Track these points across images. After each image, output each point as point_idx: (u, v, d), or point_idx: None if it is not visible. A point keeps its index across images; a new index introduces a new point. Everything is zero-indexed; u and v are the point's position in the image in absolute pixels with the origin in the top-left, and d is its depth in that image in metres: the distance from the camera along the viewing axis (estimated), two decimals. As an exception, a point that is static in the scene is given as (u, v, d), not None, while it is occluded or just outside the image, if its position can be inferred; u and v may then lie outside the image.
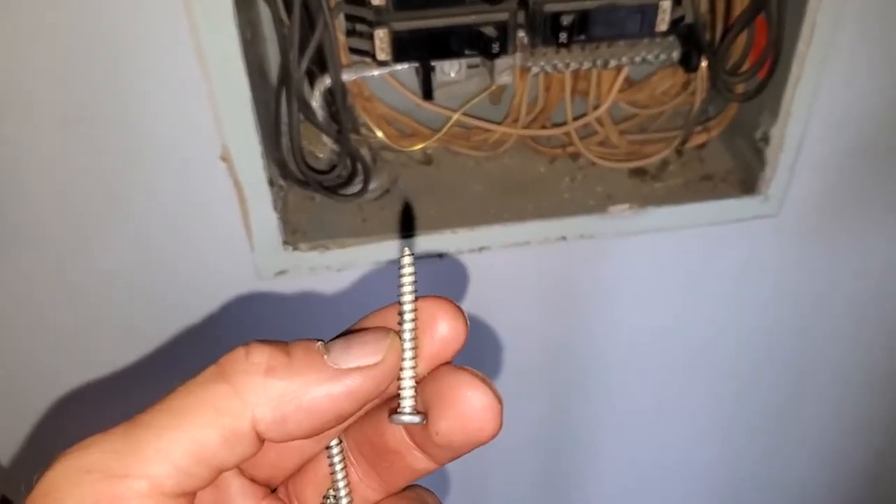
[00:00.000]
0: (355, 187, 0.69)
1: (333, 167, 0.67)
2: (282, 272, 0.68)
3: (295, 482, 0.27)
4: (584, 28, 0.60)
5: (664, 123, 0.76)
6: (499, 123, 0.74)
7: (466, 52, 0.60)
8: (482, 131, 0.74)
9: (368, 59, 0.62)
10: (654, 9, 0.60)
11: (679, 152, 0.75)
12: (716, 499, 1.05)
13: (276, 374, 0.22)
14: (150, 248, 0.65)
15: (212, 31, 0.54)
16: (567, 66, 0.65)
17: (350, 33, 0.62)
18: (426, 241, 0.69)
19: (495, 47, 0.60)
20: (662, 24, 0.61)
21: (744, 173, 0.73)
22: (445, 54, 0.61)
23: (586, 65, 0.65)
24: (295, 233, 0.68)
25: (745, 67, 0.65)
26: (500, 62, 0.64)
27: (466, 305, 0.74)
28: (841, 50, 0.63)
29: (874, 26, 0.63)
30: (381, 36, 0.58)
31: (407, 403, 0.24)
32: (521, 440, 0.90)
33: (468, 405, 0.23)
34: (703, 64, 0.67)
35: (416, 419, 0.24)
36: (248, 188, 0.62)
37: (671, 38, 0.65)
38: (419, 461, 0.25)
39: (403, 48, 0.59)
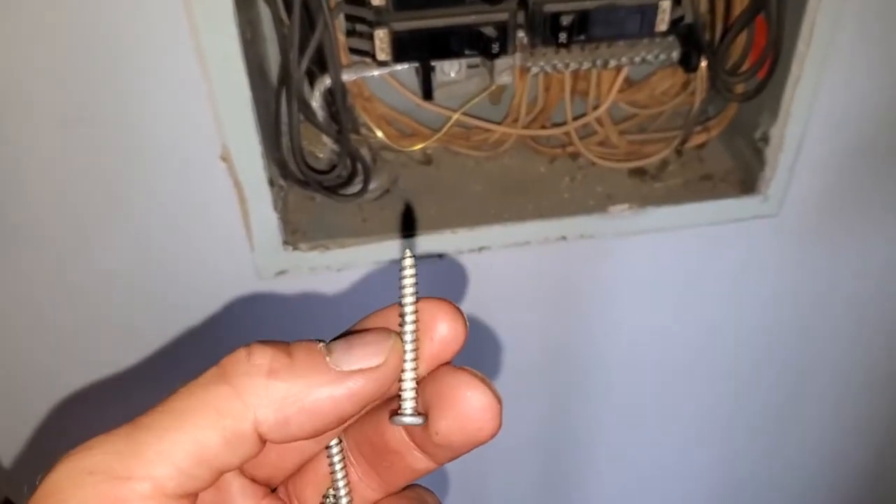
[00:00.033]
0: (355, 187, 0.69)
1: (333, 167, 0.67)
2: (282, 272, 0.68)
3: (295, 482, 0.27)
4: (583, 28, 0.60)
5: (664, 123, 0.76)
6: (499, 123, 0.74)
7: (466, 52, 0.60)
8: (482, 131, 0.74)
9: (368, 60, 0.62)
10: (654, 9, 0.60)
11: (679, 152, 0.75)
12: (715, 499, 1.05)
13: (278, 375, 0.22)
14: (150, 248, 0.65)
15: (212, 31, 0.54)
16: (567, 66, 0.65)
17: (350, 33, 0.62)
18: (426, 241, 0.69)
19: (495, 47, 0.60)
20: (662, 25, 0.61)
21: (743, 173, 0.73)
22: (445, 54, 0.61)
23: (586, 65, 0.65)
24: (295, 233, 0.68)
25: (744, 67, 0.65)
26: (500, 62, 0.64)
27: (466, 305, 0.74)
28: (840, 50, 0.63)
29: (874, 26, 0.63)
30: (381, 36, 0.58)
31: (408, 405, 0.24)
32: (521, 440, 0.90)
33: (468, 405, 0.23)
34: (703, 64, 0.67)
35: (418, 420, 0.24)
36: (248, 188, 0.62)
37: (671, 39, 0.65)
38: (419, 461, 0.25)
39: (403, 48, 0.59)
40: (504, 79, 0.66)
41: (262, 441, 0.22)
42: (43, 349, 0.70)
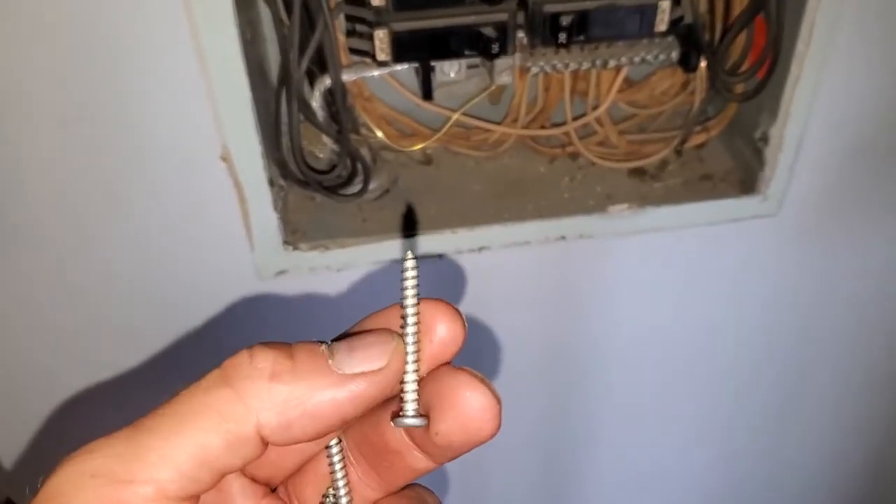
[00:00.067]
0: (355, 187, 0.69)
1: (333, 167, 0.67)
2: (282, 272, 0.68)
3: (295, 481, 0.27)
4: (583, 28, 0.60)
5: (663, 123, 0.76)
6: (498, 123, 0.74)
7: (466, 52, 0.60)
8: (482, 131, 0.74)
9: (368, 60, 0.62)
10: (654, 9, 0.60)
11: (678, 152, 0.75)
12: (715, 498, 1.05)
13: (280, 378, 0.22)
14: (150, 248, 0.65)
15: (212, 31, 0.54)
16: (566, 66, 0.65)
17: (350, 34, 0.62)
18: (426, 241, 0.69)
19: (495, 48, 0.60)
20: (661, 25, 0.61)
21: (743, 173, 0.73)
22: (445, 55, 0.61)
23: (585, 65, 0.65)
24: (295, 233, 0.68)
25: (744, 67, 0.65)
26: (500, 62, 0.64)
27: (466, 305, 0.74)
28: (840, 50, 0.63)
29: (873, 27, 0.63)
30: (381, 36, 0.59)
31: (410, 407, 0.24)
32: (520, 440, 0.90)
33: (467, 405, 0.23)
34: (703, 64, 0.67)
35: (420, 422, 0.24)
36: (249, 188, 0.62)
37: (670, 39, 0.65)
38: (419, 461, 0.25)
39: (403, 48, 0.59)
40: (504, 79, 0.66)
41: (264, 444, 0.22)
42: (43, 349, 0.70)
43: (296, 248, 0.67)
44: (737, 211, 0.72)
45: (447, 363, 0.25)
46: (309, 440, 0.23)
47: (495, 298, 0.75)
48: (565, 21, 0.59)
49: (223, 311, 0.69)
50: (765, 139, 0.69)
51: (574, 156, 0.75)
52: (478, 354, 0.79)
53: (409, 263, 0.24)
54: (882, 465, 1.06)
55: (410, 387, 0.24)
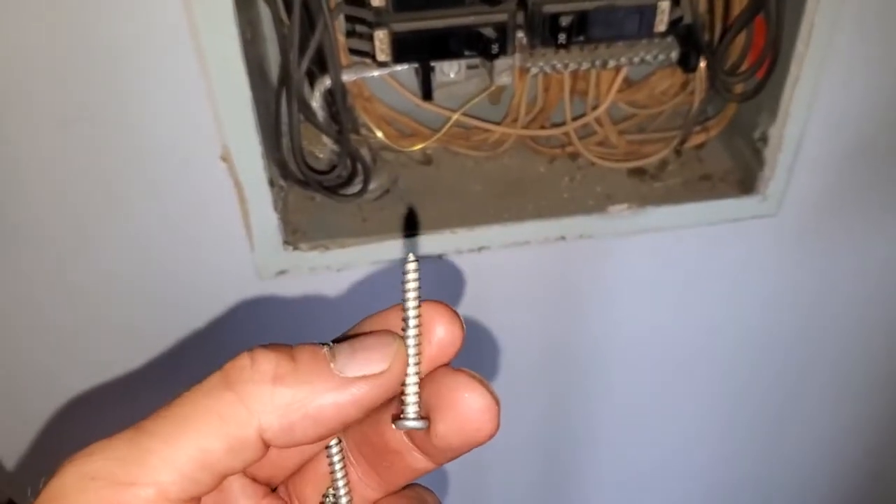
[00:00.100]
0: (355, 187, 0.69)
1: (333, 167, 0.67)
2: (282, 272, 0.68)
3: (295, 481, 0.27)
4: (582, 29, 0.60)
5: (663, 123, 0.76)
6: (498, 123, 0.74)
7: (466, 52, 0.60)
8: (482, 131, 0.75)
9: (368, 60, 0.62)
10: (653, 9, 0.60)
11: (678, 152, 0.75)
12: (715, 498, 1.05)
13: (282, 382, 0.22)
14: (150, 248, 0.65)
15: (212, 31, 0.54)
16: (566, 66, 0.65)
17: (350, 34, 0.62)
18: (426, 241, 0.69)
19: (494, 48, 0.60)
20: (661, 25, 0.61)
21: (742, 173, 0.73)
22: (445, 55, 0.61)
23: (585, 65, 0.65)
24: (295, 233, 0.68)
25: (743, 67, 0.65)
26: (500, 63, 0.64)
27: (466, 305, 0.74)
28: (839, 50, 0.63)
29: (872, 27, 0.63)
30: (381, 37, 0.59)
31: (411, 409, 0.24)
32: (520, 440, 0.90)
33: (466, 407, 0.23)
34: (702, 64, 0.67)
35: (421, 424, 0.24)
36: (249, 188, 0.62)
37: (670, 39, 0.65)
38: (418, 461, 0.25)
39: (403, 49, 0.59)
40: (503, 79, 0.66)
41: (266, 446, 0.22)
42: (43, 349, 0.70)
43: (296, 248, 0.67)
44: (736, 211, 0.72)
45: (446, 365, 0.25)
46: (310, 442, 0.23)
47: (495, 298, 0.75)
48: (565, 21, 0.59)
49: (223, 311, 0.69)
50: (764, 139, 0.69)
51: (574, 156, 0.75)
52: (478, 354, 0.79)
53: (411, 266, 0.24)
54: (881, 465, 1.06)
55: (411, 389, 0.24)
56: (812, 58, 0.63)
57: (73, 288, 0.66)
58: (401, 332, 0.24)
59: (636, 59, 0.65)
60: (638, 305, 0.80)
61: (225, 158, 0.61)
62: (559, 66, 0.65)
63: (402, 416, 0.24)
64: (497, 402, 0.23)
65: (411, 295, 0.24)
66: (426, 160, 0.76)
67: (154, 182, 0.61)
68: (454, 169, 0.75)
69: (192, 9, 0.53)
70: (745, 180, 0.73)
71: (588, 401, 0.88)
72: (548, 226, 0.70)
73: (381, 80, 0.67)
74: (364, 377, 0.23)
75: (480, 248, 0.70)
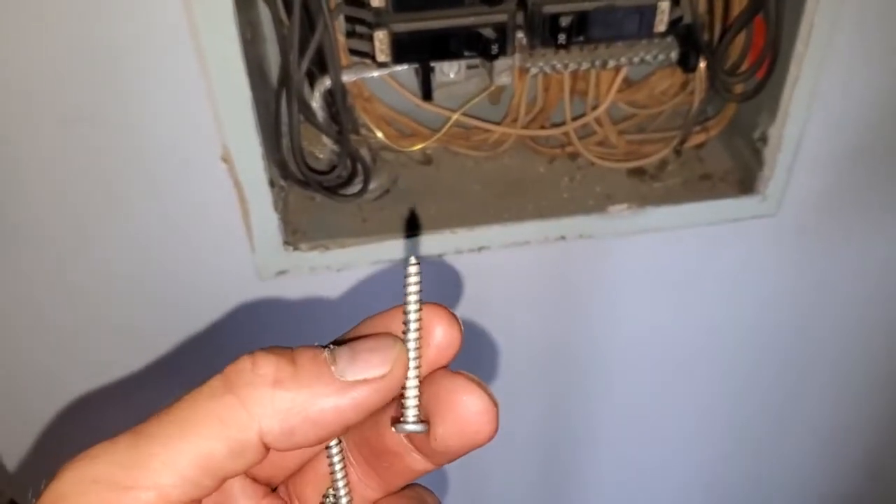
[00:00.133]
0: (355, 187, 0.69)
1: (333, 167, 0.67)
2: (282, 272, 0.68)
3: (295, 481, 0.27)
4: (582, 29, 0.60)
5: (663, 123, 0.76)
6: (498, 124, 0.74)
7: (466, 53, 0.60)
8: (481, 131, 0.75)
9: (368, 61, 0.62)
10: (653, 10, 0.60)
11: (678, 152, 0.76)
12: (715, 497, 1.05)
13: (283, 385, 0.22)
14: (150, 248, 0.65)
15: (212, 31, 0.54)
16: (566, 66, 0.65)
17: (350, 34, 0.62)
18: (426, 241, 0.69)
19: (494, 48, 0.60)
20: (661, 25, 0.61)
21: (742, 173, 0.73)
22: (445, 55, 0.61)
23: (585, 65, 0.65)
24: (295, 233, 0.68)
25: (743, 68, 0.65)
26: (500, 63, 0.64)
27: (466, 305, 0.74)
28: (839, 51, 0.63)
29: (872, 27, 0.63)
30: (381, 37, 0.59)
31: (411, 412, 0.24)
32: (520, 440, 0.90)
33: (465, 409, 0.23)
34: (702, 64, 0.67)
35: (420, 428, 0.24)
36: (249, 188, 0.62)
37: (669, 39, 0.65)
38: (418, 462, 0.25)
39: (403, 49, 0.59)
40: (503, 79, 0.66)
41: (266, 449, 0.22)
42: (43, 349, 0.70)
43: (296, 248, 0.67)
44: (736, 211, 0.72)
45: (444, 367, 0.25)
46: (311, 445, 0.23)
47: (495, 298, 0.76)
48: (564, 22, 0.59)
49: (223, 311, 0.69)
50: (764, 139, 0.69)
51: (573, 156, 0.75)
52: (477, 354, 0.79)
53: (413, 268, 0.24)
54: (881, 465, 1.06)
55: (411, 392, 0.24)
56: (812, 58, 0.63)
57: (73, 288, 0.66)
58: (401, 335, 0.24)
59: (636, 59, 0.65)
60: (638, 305, 0.80)
61: (225, 159, 0.61)
62: (559, 66, 0.65)
63: (401, 419, 0.24)
64: (495, 405, 0.23)
65: (413, 298, 0.24)
66: (426, 160, 0.76)
67: (154, 182, 0.61)
68: (454, 169, 0.75)
69: (192, 9, 0.53)
70: (744, 180, 0.73)
71: (588, 401, 0.88)
72: (548, 226, 0.70)
73: (381, 81, 0.67)
74: (365, 381, 0.22)
75: (480, 248, 0.70)
